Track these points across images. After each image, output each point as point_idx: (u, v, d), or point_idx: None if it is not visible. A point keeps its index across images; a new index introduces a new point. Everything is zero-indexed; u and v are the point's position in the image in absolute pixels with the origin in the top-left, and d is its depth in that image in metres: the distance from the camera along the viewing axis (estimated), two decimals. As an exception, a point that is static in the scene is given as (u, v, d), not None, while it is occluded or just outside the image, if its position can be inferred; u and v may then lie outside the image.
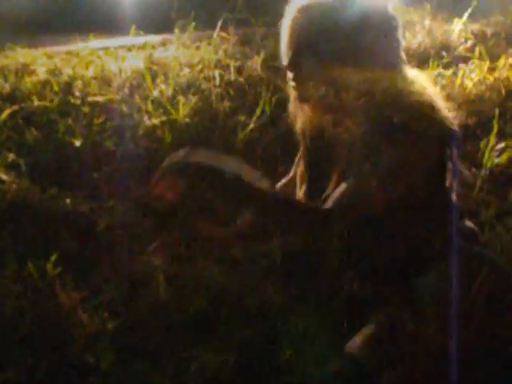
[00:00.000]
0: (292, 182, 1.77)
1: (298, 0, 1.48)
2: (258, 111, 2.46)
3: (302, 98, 1.52)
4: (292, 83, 1.52)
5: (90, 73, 2.83)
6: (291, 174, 1.81)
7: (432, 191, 1.43)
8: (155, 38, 3.57)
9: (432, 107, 1.38)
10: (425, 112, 1.36)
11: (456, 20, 3.68)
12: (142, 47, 3.21)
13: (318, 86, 1.45)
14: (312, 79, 1.46)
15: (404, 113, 1.35)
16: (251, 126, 2.41)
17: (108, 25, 4.05)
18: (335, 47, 1.42)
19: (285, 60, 1.51)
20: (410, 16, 3.90)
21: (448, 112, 1.42)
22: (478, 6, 3.69)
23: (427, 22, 3.77)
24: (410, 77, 1.45)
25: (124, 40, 3.45)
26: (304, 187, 1.66)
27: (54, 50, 3.37)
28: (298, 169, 1.73)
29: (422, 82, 1.45)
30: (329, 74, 1.44)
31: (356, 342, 1.46)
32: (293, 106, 1.66)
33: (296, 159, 1.79)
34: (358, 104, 1.40)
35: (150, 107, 2.43)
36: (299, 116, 1.63)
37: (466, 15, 3.60)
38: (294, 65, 1.47)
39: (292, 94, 1.59)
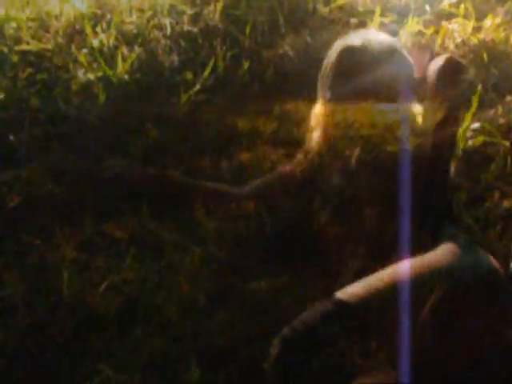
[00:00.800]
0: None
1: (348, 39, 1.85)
2: (208, 70, 2.16)
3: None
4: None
5: (26, 14, 2.50)
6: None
7: None
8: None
9: None
10: None
11: (443, -30, 3.33)
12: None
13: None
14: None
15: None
16: (197, 86, 2.12)
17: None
18: (370, 86, 1.72)
19: (323, 87, 1.82)
20: (395, -37, 3.54)
21: None
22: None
23: (412, -30, 3.43)
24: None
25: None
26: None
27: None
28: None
29: None
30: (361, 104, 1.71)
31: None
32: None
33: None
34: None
35: (83, 59, 2.12)
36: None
37: (454, -35, 3.26)
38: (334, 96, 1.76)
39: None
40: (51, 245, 1.59)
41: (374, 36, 1.87)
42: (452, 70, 1.82)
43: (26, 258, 1.59)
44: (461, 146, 2.03)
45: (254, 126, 2.01)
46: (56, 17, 2.54)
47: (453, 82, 1.82)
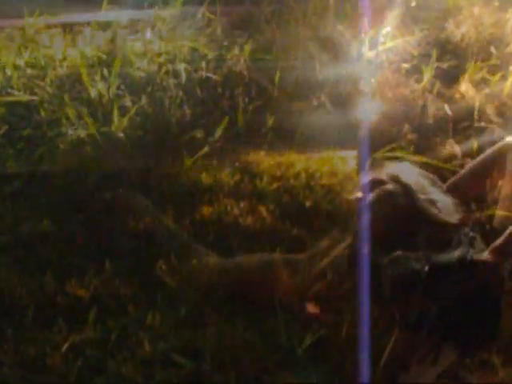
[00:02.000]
0: None
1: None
2: (221, 128, 1.78)
3: None
4: None
5: (25, 59, 2.19)
6: None
7: None
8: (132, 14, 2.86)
9: None
10: None
11: (512, 9, 2.90)
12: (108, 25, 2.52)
13: None
14: None
15: None
16: (205, 149, 1.74)
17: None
18: None
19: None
20: (456, 0, 3.12)
21: None
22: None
23: (476, 10, 3.00)
24: None
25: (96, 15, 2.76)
26: None
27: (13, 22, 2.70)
28: None
29: None
30: None
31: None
32: None
33: None
34: None
35: (70, 114, 1.78)
36: None
37: (525, 2, 2.83)
38: None
39: None
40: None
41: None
42: None
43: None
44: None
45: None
46: (60, 61, 2.22)
47: None
